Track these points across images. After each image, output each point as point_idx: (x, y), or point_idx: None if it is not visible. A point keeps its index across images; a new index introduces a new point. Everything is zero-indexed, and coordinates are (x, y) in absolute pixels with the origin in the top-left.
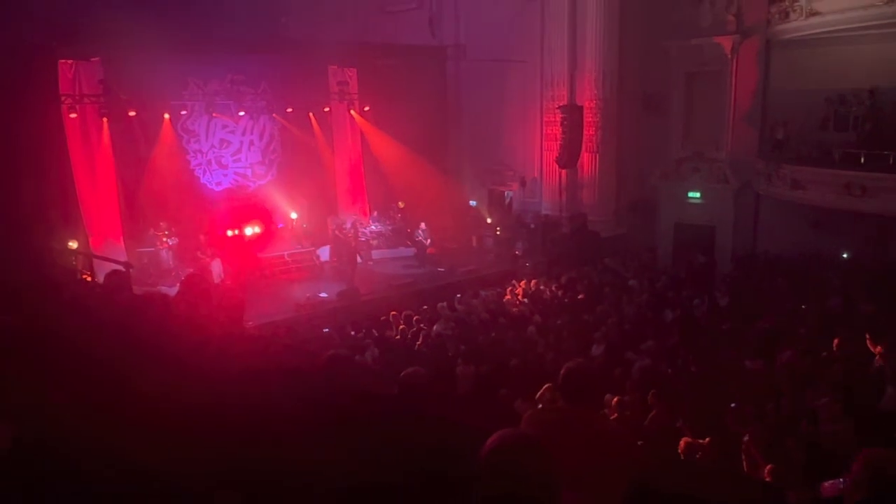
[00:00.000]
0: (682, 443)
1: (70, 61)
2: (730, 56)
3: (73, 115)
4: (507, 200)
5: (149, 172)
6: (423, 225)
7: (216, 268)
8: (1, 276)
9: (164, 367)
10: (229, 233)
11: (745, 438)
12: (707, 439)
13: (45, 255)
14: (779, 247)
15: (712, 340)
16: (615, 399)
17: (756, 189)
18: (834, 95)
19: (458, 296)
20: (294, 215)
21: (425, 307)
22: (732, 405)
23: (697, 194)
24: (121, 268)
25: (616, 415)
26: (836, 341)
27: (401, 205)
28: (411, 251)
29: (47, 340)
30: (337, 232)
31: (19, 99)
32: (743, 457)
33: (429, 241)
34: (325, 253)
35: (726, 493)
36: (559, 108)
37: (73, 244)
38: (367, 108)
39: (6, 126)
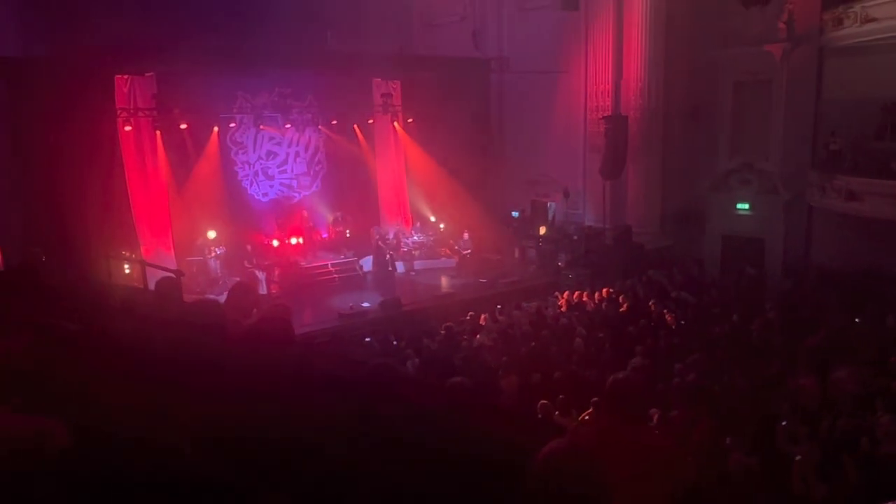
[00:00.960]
0: (731, 460)
1: (126, 76)
2: (780, 64)
3: (127, 128)
4: (551, 213)
5: (198, 183)
6: (465, 234)
7: (261, 278)
8: (60, 283)
9: (214, 372)
10: (275, 243)
11: (798, 458)
12: (756, 458)
13: (102, 263)
14: (832, 260)
15: (761, 355)
16: (660, 414)
17: (808, 201)
18: (890, 104)
19: (499, 307)
20: (332, 219)
21: (469, 315)
22: (783, 423)
23: (746, 206)
24: (172, 275)
25: (660, 430)
26: (893, 359)
27: (433, 219)
28: (453, 261)
29: (104, 345)
30: (380, 242)
31: (79, 112)
32: (794, 477)
33: (468, 251)
34: (367, 263)
35: None
36: (603, 118)
37: (128, 253)
38: (410, 120)
39: (67, 138)
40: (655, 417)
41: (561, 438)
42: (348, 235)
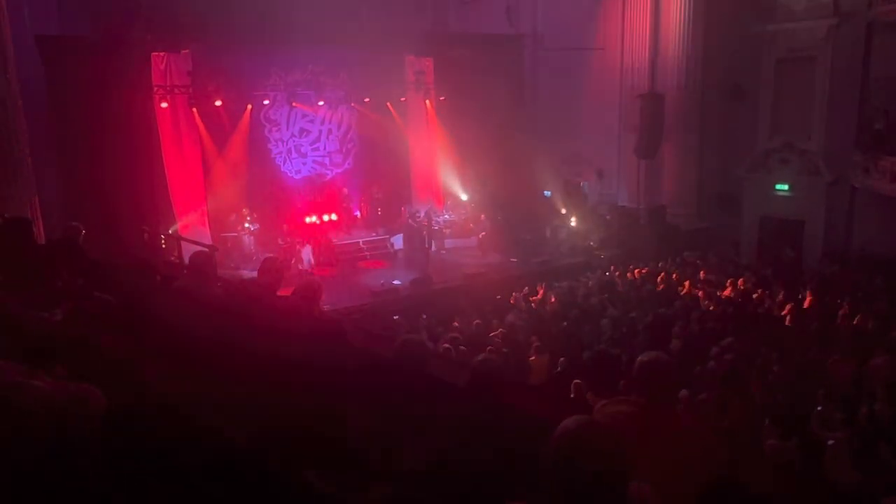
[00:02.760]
0: (766, 445)
1: (162, 54)
2: (825, 40)
3: (164, 105)
4: (584, 191)
5: (232, 160)
6: (483, 217)
7: (306, 255)
8: (100, 256)
9: (247, 347)
10: (308, 220)
11: (831, 443)
12: (791, 442)
13: (140, 237)
14: (876, 244)
15: (798, 339)
16: (692, 396)
17: (851, 182)
18: None
19: (526, 289)
20: (362, 195)
21: (498, 297)
22: (819, 408)
23: (786, 187)
24: (206, 250)
25: (692, 412)
26: None
27: (465, 198)
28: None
29: (141, 319)
30: (411, 220)
31: (116, 90)
32: (827, 462)
33: (482, 233)
34: (398, 241)
35: (811, 499)
36: (639, 96)
37: (165, 228)
38: (442, 98)
39: (105, 116)
40: (686, 400)
41: (581, 415)
42: (380, 213)
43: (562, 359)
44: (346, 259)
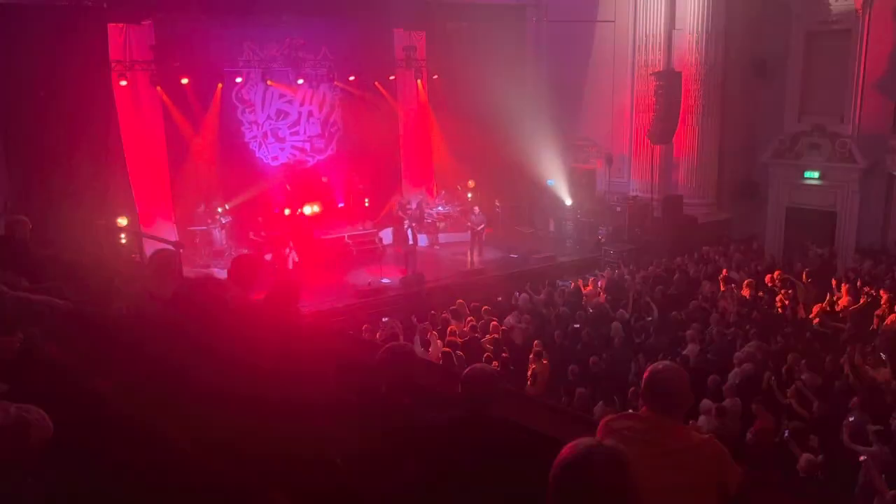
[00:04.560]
0: (801, 460)
1: (120, 25)
2: (861, 12)
3: (123, 83)
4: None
5: (201, 145)
6: (476, 209)
7: (289, 252)
8: (49, 255)
9: (211, 356)
10: (286, 212)
11: (863, 458)
12: (821, 457)
13: (95, 233)
14: None
15: (828, 344)
16: (709, 407)
17: (889, 169)
18: None
19: (528, 285)
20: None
21: (499, 299)
22: (850, 419)
23: (815, 174)
24: (170, 247)
25: (709, 425)
26: None
27: (471, 184)
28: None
29: (94, 325)
30: (400, 213)
31: (67, 64)
32: (861, 477)
33: (482, 226)
34: (387, 235)
35: None
36: (653, 74)
37: (123, 221)
38: (435, 77)
39: (56, 94)
40: (704, 412)
41: (589, 436)
42: (367, 205)
43: (572, 366)
44: (329, 255)
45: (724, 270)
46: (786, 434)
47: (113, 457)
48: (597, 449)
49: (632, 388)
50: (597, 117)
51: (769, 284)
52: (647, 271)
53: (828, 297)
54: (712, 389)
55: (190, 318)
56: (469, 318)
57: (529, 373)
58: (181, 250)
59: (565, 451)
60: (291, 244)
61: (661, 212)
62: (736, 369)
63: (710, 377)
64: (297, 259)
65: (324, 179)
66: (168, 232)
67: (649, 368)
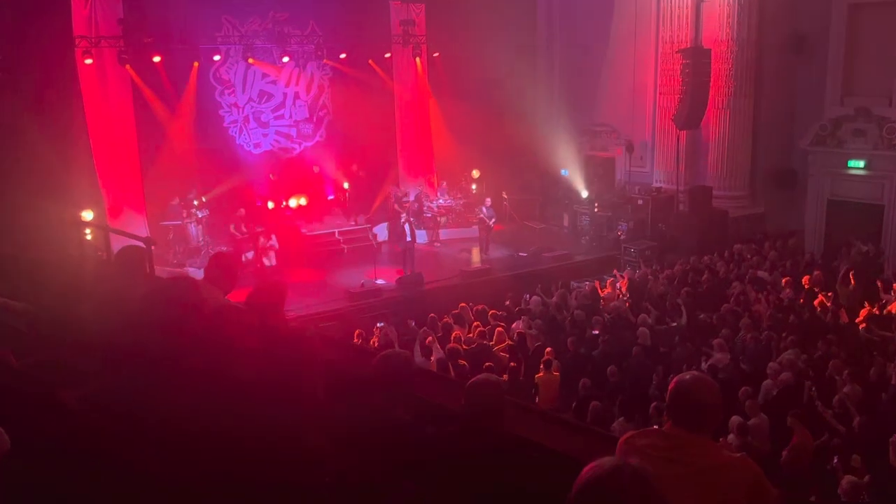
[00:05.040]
0: (843, 482)
1: None
2: None
3: (88, 62)
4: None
5: (175, 131)
6: (488, 201)
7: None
8: (8, 252)
9: (184, 366)
10: (270, 204)
11: None
12: (866, 478)
13: (56, 228)
14: None
15: (875, 352)
16: (741, 422)
17: None
18: None
19: (539, 287)
20: (346, 185)
21: (507, 303)
22: None
23: (861, 164)
24: (140, 244)
25: (740, 442)
26: None
27: (475, 174)
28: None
29: (55, 332)
30: (397, 206)
31: (26, 40)
32: None
33: (493, 220)
34: (382, 231)
35: None
36: (679, 52)
37: (88, 215)
38: (436, 55)
39: (14, 73)
40: (735, 428)
41: (610, 456)
42: (359, 198)
43: (583, 379)
44: (318, 253)
45: (757, 269)
46: (835, 462)
47: (71, 479)
48: (621, 469)
49: (654, 403)
50: (616, 100)
51: (807, 286)
52: (672, 271)
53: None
54: (743, 403)
55: (161, 324)
56: (474, 324)
57: (538, 383)
58: (152, 247)
59: (586, 471)
60: (274, 238)
61: (687, 205)
62: (769, 381)
63: (741, 389)
64: (276, 249)
65: (315, 169)
66: (138, 227)
67: (675, 379)
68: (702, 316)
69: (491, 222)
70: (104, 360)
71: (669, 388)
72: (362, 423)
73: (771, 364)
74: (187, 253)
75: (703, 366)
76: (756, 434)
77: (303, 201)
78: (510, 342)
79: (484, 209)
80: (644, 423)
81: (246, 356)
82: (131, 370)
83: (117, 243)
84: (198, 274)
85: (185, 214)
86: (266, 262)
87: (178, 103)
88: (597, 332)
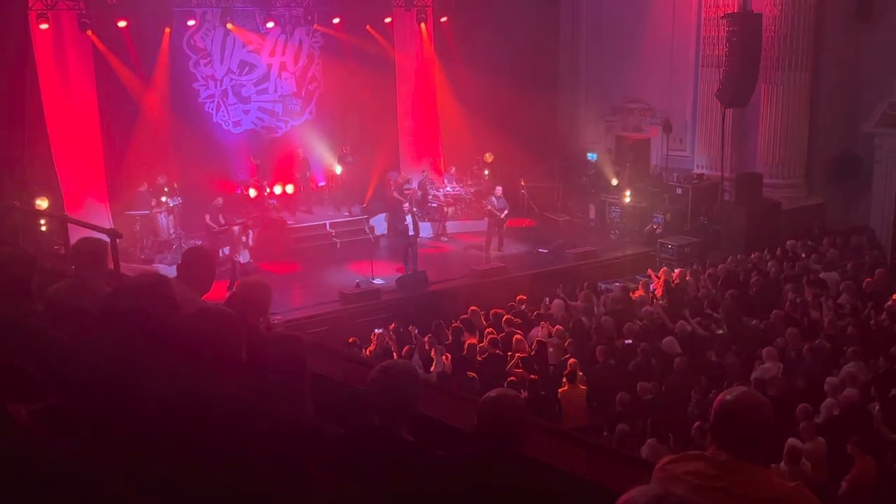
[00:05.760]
0: None
1: None
2: None
3: (43, 27)
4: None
5: (143, 107)
6: (498, 190)
7: (244, 241)
8: None
9: (151, 379)
10: (252, 192)
11: None
12: None
13: (6, 217)
14: None
15: None
16: (795, 446)
17: None
18: None
19: (560, 288)
20: (339, 170)
21: (523, 306)
22: None
23: None
24: (103, 236)
25: (794, 469)
26: None
27: (488, 158)
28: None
29: (6, 333)
30: (398, 194)
31: None
32: None
33: (506, 212)
34: (380, 223)
35: None
36: (725, 17)
37: (43, 203)
38: (444, 19)
39: None
40: (789, 453)
41: (648, 485)
42: (354, 184)
43: (621, 394)
44: (307, 248)
45: (814, 269)
46: None
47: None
48: (665, 500)
49: (697, 423)
50: (652, 73)
51: (867, 290)
52: (716, 271)
53: None
54: (798, 424)
55: (128, 329)
56: (486, 330)
57: (561, 399)
58: (117, 240)
59: (623, 503)
60: (250, 234)
61: (733, 195)
62: (830, 399)
63: (798, 407)
64: (250, 246)
65: (299, 153)
66: (100, 217)
67: (720, 397)
68: (754, 322)
69: (502, 215)
70: (61, 370)
71: (714, 406)
72: (358, 447)
73: (829, 379)
74: (157, 247)
75: (752, 379)
76: (812, 461)
77: (289, 189)
78: (521, 353)
79: (494, 199)
80: (682, 447)
81: (231, 368)
82: (92, 382)
83: (76, 235)
84: (169, 271)
85: (154, 203)
86: (239, 258)
87: (147, 76)
88: (629, 340)
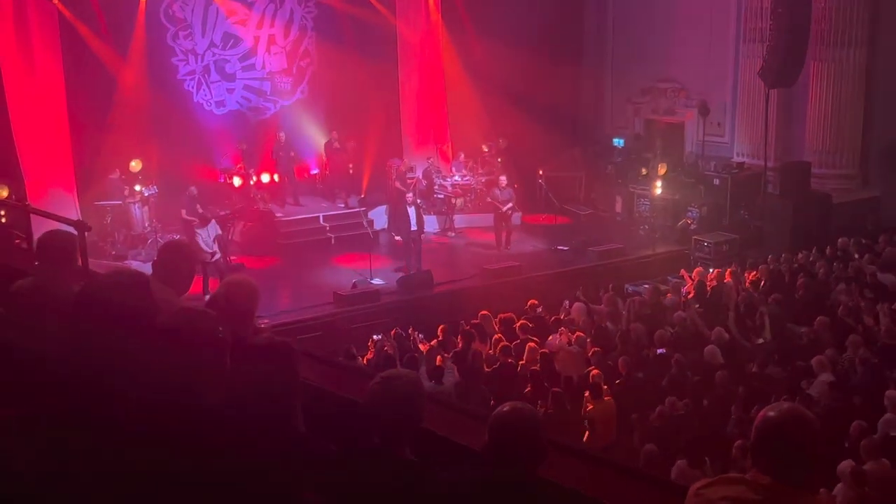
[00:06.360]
0: None
1: None
2: None
3: None
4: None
5: (115, 85)
6: (502, 179)
7: (211, 233)
8: None
9: (129, 385)
10: (236, 181)
11: None
12: None
13: None
14: None
15: None
16: (854, 468)
17: None
18: None
19: (581, 290)
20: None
21: (539, 309)
22: None
23: None
24: (70, 229)
25: (856, 494)
26: None
27: (503, 144)
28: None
29: None
30: (400, 184)
31: None
32: None
33: (510, 205)
34: (380, 217)
35: None
36: None
37: (2, 192)
38: None
39: None
40: (849, 474)
41: None
42: (351, 171)
43: (659, 408)
44: (298, 244)
45: (869, 271)
46: None
47: None
48: None
49: (738, 442)
50: (686, 48)
51: None
52: (758, 272)
53: None
54: (851, 442)
55: (100, 333)
56: (497, 337)
57: (584, 416)
58: (86, 233)
59: None
60: (217, 228)
61: (778, 186)
62: (889, 414)
63: (853, 424)
64: (219, 236)
65: (281, 136)
66: (67, 207)
67: (763, 413)
68: (804, 330)
69: (504, 208)
70: (24, 380)
71: (755, 423)
72: (355, 468)
73: (889, 392)
74: (130, 242)
75: (800, 392)
76: (876, 484)
77: (277, 177)
78: (537, 362)
79: (497, 191)
80: (722, 469)
81: (214, 377)
82: (59, 394)
83: (41, 228)
84: (144, 269)
85: (127, 192)
86: (209, 250)
87: (119, 50)
88: (662, 350)
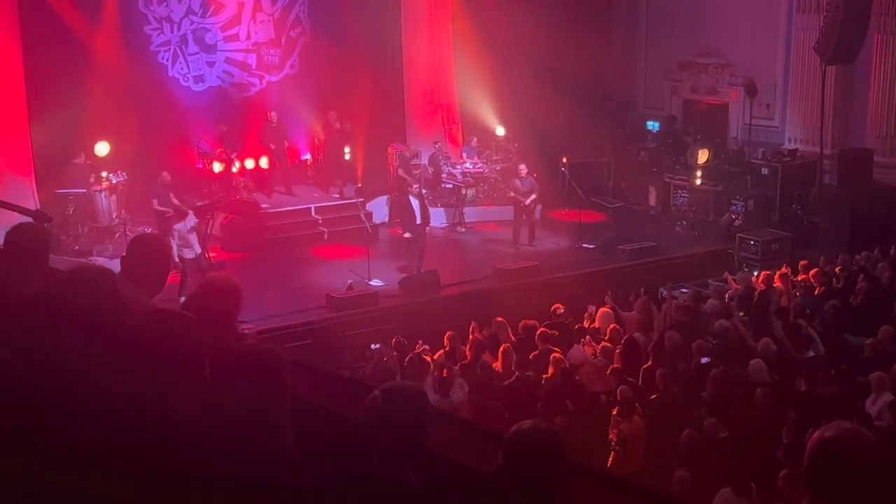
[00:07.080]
0: None
1: None
2: None
3: None
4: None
5: (81, 60)
6: (522, 168)
7: (188, 226)
8: None
9: (97, 396)
10: (217, 167)
11: None
12: None
13: None
14: None
15: None
16: None
17: None
18: None
19: (609, 294)
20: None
21: (560, 311)
22: None
23: None
24: (30, 220)
25: None
26: None
27: (501, 132)
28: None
29: None
30: (403, 172)
31: None
32: None
33: (533, 196)
34: (380, 209)
35: None
36: None
37: None
38: None
39: None
40: None
41: None
42: (347, 158)
43: (687, 431)
44: (286, 239)
45: None
46: None
47: None
48: None
49: (785, 472)
50: (731, 18)
51: None
52: (811, 275)
53: None
54: None
55: (65, 338)
56: (504, 346)
57: (613, 437)
58: (45, 224)
59: None
60: (191, 221)
61: (836, 177)
62: None
63: None
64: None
65: (272, 117)
66: (24, 195)
67: (817, 434)
68: (869, 341)
69: (528, 201)
70: None
71: (808, 446)
72: (350, 492)
73: None
74: (95, 235)
75: (859, 412)
76: None
77: (263, 163)
78: (559, 375)
79: (517, 181)
80: (763, 500)
81: (192, 387)
82: (23, 404)
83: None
84: (111, 265)
85: (92, 179)
86: (187, 252)
87: (84, 15)
88: (706, 359)
